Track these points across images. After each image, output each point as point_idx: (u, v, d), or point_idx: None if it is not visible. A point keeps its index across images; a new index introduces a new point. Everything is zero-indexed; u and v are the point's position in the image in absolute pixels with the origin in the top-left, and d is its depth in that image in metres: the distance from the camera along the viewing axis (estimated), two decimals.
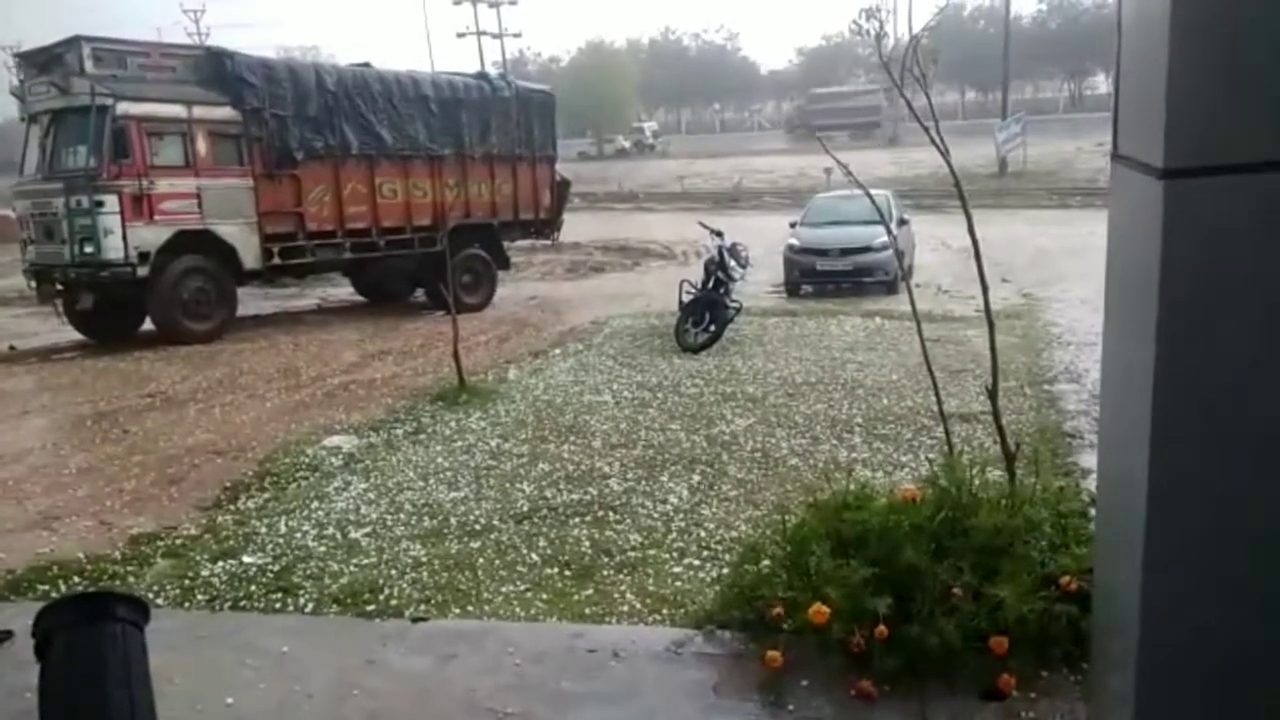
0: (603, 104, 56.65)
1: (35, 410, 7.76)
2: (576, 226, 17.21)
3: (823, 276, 13.30)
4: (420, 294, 13.65)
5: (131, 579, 4.12)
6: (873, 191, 14.73)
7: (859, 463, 5.35)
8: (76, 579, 4.15)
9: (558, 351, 9.48)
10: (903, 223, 13.77)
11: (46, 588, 4.07)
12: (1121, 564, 1.76)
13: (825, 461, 5.46)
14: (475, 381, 7.70)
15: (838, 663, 2.73)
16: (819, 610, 2.68)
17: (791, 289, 13.55)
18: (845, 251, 13.03)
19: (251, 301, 12.03)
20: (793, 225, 14.20)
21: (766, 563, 3.02)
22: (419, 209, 12.71)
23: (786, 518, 3.50)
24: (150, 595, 3.93)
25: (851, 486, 3.39)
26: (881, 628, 2.65)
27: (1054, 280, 13.25)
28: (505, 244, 14.09)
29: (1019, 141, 32.45)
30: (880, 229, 13.20)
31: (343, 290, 14.56)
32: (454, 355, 7.57)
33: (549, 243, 15.73)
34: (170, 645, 3.38)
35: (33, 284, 10.87)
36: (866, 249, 12.94)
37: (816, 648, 2.75)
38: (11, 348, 10.71)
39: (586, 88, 53.10)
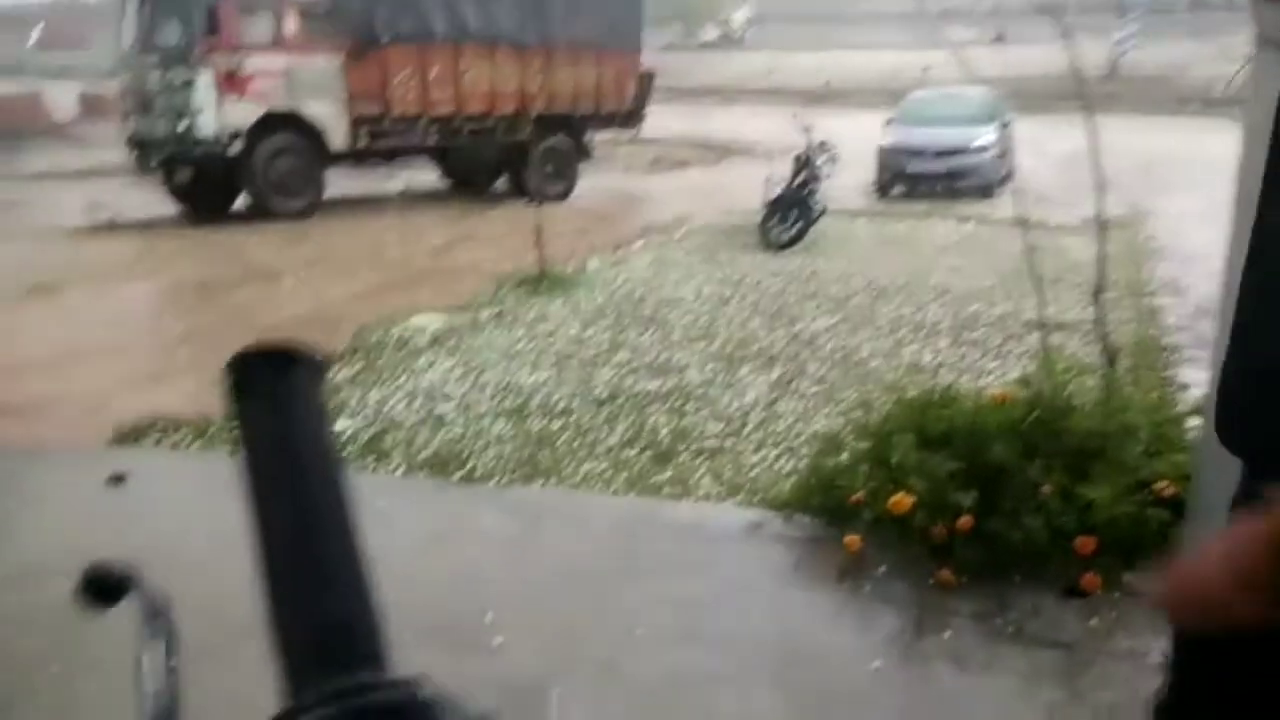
0: None
1: (139, 277, 8.09)
2: (661, 120, 16.87)
3: (915, 178, 12.82)
4: (502, 182, 13.65)
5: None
6: (975, 91, 14.16)
7: (944, 367, 5.27)
8: (180, 433, 4.39)
9: (638, 244, 9.44)
10: (1005, 125, 13.15)
11: (155, 438, 4.32)
12: (1223, 471, 1.70)
13: (908, 364, 5.38)
14: (557, 270, 7.73)
15: (917, 552, 2.74)
16: (901, 499, 2.68)
17: (882, 190, 13.13)
18: (941, 153, 12.50)
19: (340, 183, 12.17)
20: (887, 123, 13.66)
21: (846, 455, 3.02)
22: (503, 97, 12.58)
23: (870, 412, 3.48)
24: None
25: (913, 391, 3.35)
26: (965, 519, 2.64)
27: (1160, 191, 12.56)
28: (588, 135, 13.91)
29: (1134, 44, 30.40)
30: (979, 130, 12.68)
31: (429, 176, 14.64)
32: (536, 243, 7.59)
33: (631, 135, 15.48)
34: None
35: (134, 157, 11.17)
36: (964, 150, 12.41)
37: (896, 536, 2.76)
38: (112, 219, 11.11)
39: None
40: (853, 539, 2.77)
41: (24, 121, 20.93)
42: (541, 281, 7.37)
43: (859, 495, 2.85)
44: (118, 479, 3.64)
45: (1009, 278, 7.60)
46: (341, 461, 0.49)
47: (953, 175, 12.54)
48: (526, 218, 10.51)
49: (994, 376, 5.07)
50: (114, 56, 11.44)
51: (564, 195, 13.06)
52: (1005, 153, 13.12)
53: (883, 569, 2.77)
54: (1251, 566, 0.77)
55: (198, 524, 3.28)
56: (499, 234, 10.24)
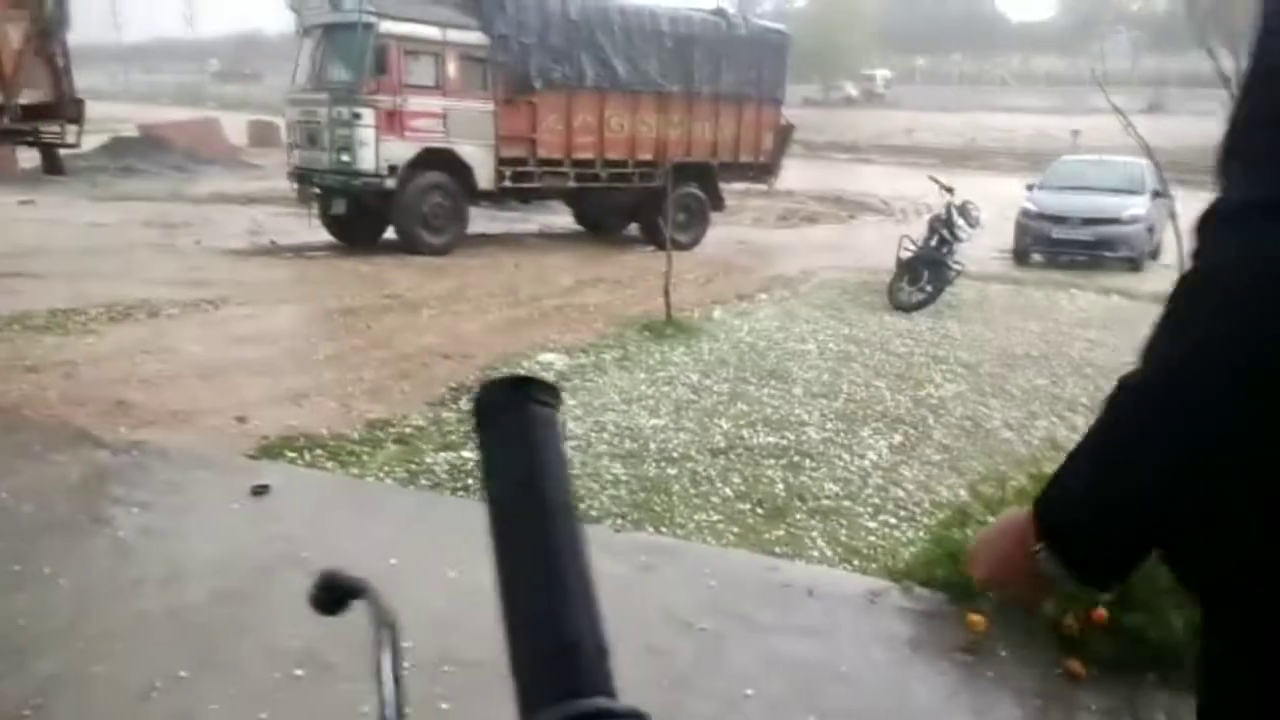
0: (835, 49, 54.74)
1: (291, 300, 8.61)
2: (793, 174, 16.91)
3: (1058, 245, 12.37)
4: (634, 228, 13.92)
5: (365, 457, 4.54)
6: (1129, 160, 13.62)
7: None
8: (318, 451, 4.62)
9: (764, 296, 9.43)
10: (1157, 195, 12.57)
11: (294, 455, 4.56)
12: None
13: (1042, 439, 5.17)
14: (681, 318, 7.81)
15: (1044, 639, 2.62)
16: None
17: (1020, 256, 12.73)
18: (1088, 221, 12.04)
19: (479, 221, 12.68)
20: (1030, 188, 13.27)
21: (974, 529, 2.92)
22: (643, 144, 12.89)
23: (1001, 487, 3.36)
24: (380, 475, 4.33)
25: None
26: (1101, 611, 2.51)
27: None
28: (722, 185, 14.05)
29: None
30: (1132, 200, 12.17)
31: (562, 218, 15.08)
32: (665, 290, 7.69)
33: (764, 188, 15.55)
34: (400, 520, 3.73)
35: (295, 186, 11.94)
36: (1114, 220, 11.92)
37: (1023, 620, 2.64)
38: (272, 242, 11.88)
39: (820, 30, 51.40)
40: (977, 618, 2.67)
41: (201, 146, 22.72)
42: (667, 327, 7.46)
43: None
44: (261, 489, 3.86)
45: None
46: (574, 490, 0.52)
47: (1099, 245, 12.05)
48: (654, 264, 10.71)
49: None
50: (286, 91, 12.29)
51: (693, 244, 13.22)
52: (1155, 225, 12.55)
53: (1004, 652, 2.64)
54: (1009, 557, 0.92)
55: (331, 539, 3.45)
56: (627, 278, 10.44)
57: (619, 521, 3.86)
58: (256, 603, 2.91)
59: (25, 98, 8.52)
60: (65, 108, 8.88)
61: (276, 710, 2.35)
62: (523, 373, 0.55)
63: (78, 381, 5.60)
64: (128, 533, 3.44)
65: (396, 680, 0.61)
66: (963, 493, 4.36)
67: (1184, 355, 0.78)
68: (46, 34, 8.57)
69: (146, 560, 3.21)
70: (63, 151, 9.54)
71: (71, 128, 9.09)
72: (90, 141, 10.29)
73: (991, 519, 3.05)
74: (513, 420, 0.52)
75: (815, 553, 3.65)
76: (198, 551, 3.29)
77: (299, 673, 2.50)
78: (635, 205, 13.38)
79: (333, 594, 0.68)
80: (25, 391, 5.30)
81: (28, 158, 12.91)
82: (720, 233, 14.44)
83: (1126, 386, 0.84)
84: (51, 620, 2.76)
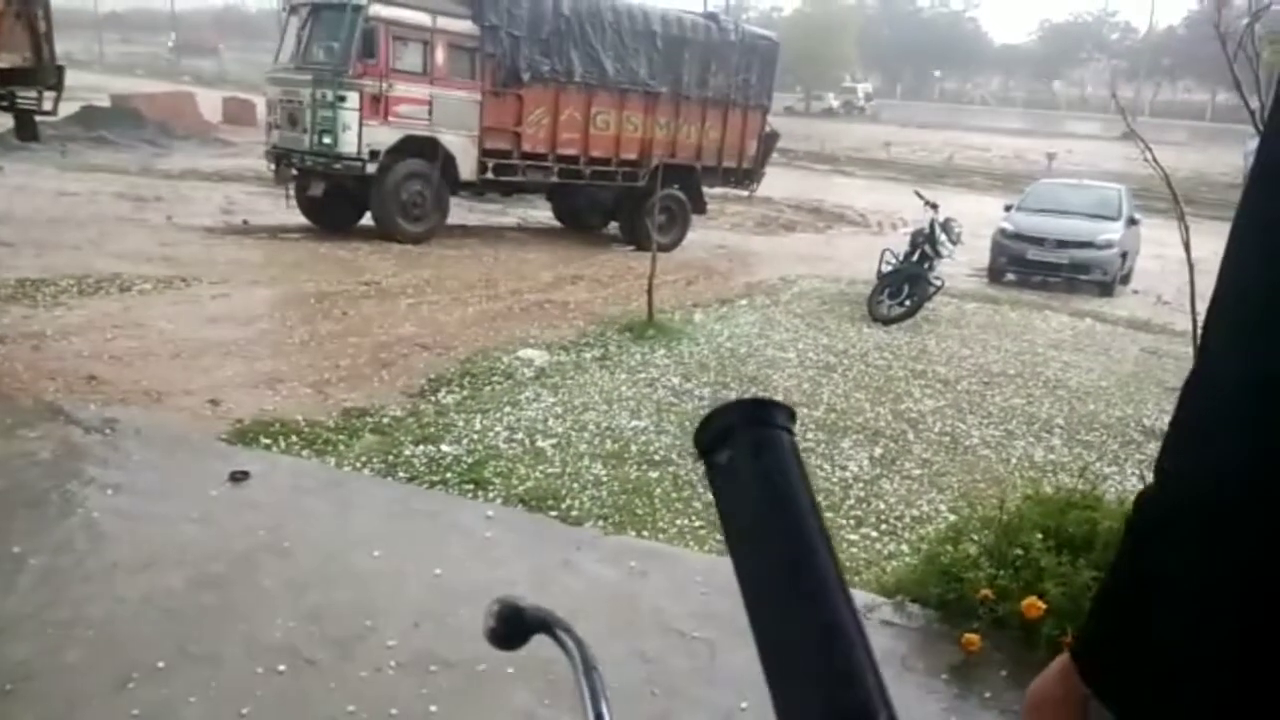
0: (818, 59, 55.04)
1: (266, 281, 8.46)
2: (772, 183, 16.94)
3: (1032, 267, 12.50)
4: (613, 226, 13.87)
5: (343, 447, 4.46)
6: (1107, 186, 13.80)
7: (1058, 466, 5.08)
8: (294, 438, 4.53)
9: (744, 302, 9.44)
10: (1132, 222, 12.79)
11: (269, 442, 4.47)
12: None
13: (1020, 459, 5.21)
14: (662, 319, 7.79)
15: (1043, 659, 2.61)
16: (1033, 604, 2.56)
17: (995, 275, 12.85)
18: (1063, 244, 12.18)
19: (458, 211, 12.54)
20: (1007, 209, 13.42)
21: (970, 547, 2.91)
22: (627, 143, 12.84)
23: (997, 505, 3.37)
24: (358, 466, 4.26)
25: (1047, 489, 3.22)
26: None
27: None
28: (704, 189, 14.05)
29: None
30: (1107, 225, 12.35)
31: (541, 213, 14.99)
32: (648, 291, 7.66)
33: (744, 194, 15.56)
34: (381, 512, 3.66)
35: (272, 166, 11.73)
36: (1088, 244, 12.07)
37: (1019, 640, 2.64)
38: (245, 222, 11.68)
39: (804, 40, 51.57)
40: (972, 638, 2.66)
41: (175, 119, 22.29)
42: (647, 328, 7.43)
43: (986, 593, 2.73)
44: (240, 475, 3.77)
45: (1127, 380, 7.35)
46: (822, 517, 0.48)
47: (1073, 268, 12.20)
48: (634, 263, 10.68)
49: (1111, 484, 4.86)
50: (268, 69, 12.08)
51: (673, 245, 13.18)
52: (1129, 251, 12.74)
53: (1003, 673, 2.64)
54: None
55: (313, 530, 3.38)
56: (607, 276, 10.40)
57: (600, 525, 3.83)
58: (239, 591, 2.84)
59: (3, 61, 8.29)
60: (45, 74, 8.65)
61: (259, 707, 2.29)
62: (752, 395, 0.50)
63: (47, 354, 5.46)
64: (102, 514, 3.34)
65: None
66: (943, 508, 4.39)
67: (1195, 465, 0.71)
68: None
69: (120, 544, 3.12)
70: (37, 119, 9.30)
71: (49, 95, 8.86)
72: (61, 110, 10.00)
73: (984, 538, 3.07)
74: (769, 455, 0.47)
75: None
76: (176, 536, 3.21)
77: (281, 668, 2.44)
78: (616, 204, 13.32)
79: (511, 627, 0.62)
80: None
81: None
82: (699, 235, 14.44)
83: (1142, 498, 0.77)
84: (21, 604, 2.66)
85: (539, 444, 4.77)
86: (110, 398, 4.79)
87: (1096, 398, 6.62)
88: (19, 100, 8.93)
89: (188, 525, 3.31)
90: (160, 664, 2.41)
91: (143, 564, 2.96)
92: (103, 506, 3.41)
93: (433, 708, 2.29)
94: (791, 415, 0.49)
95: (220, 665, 2.44)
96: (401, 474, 4.20)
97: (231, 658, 2.47)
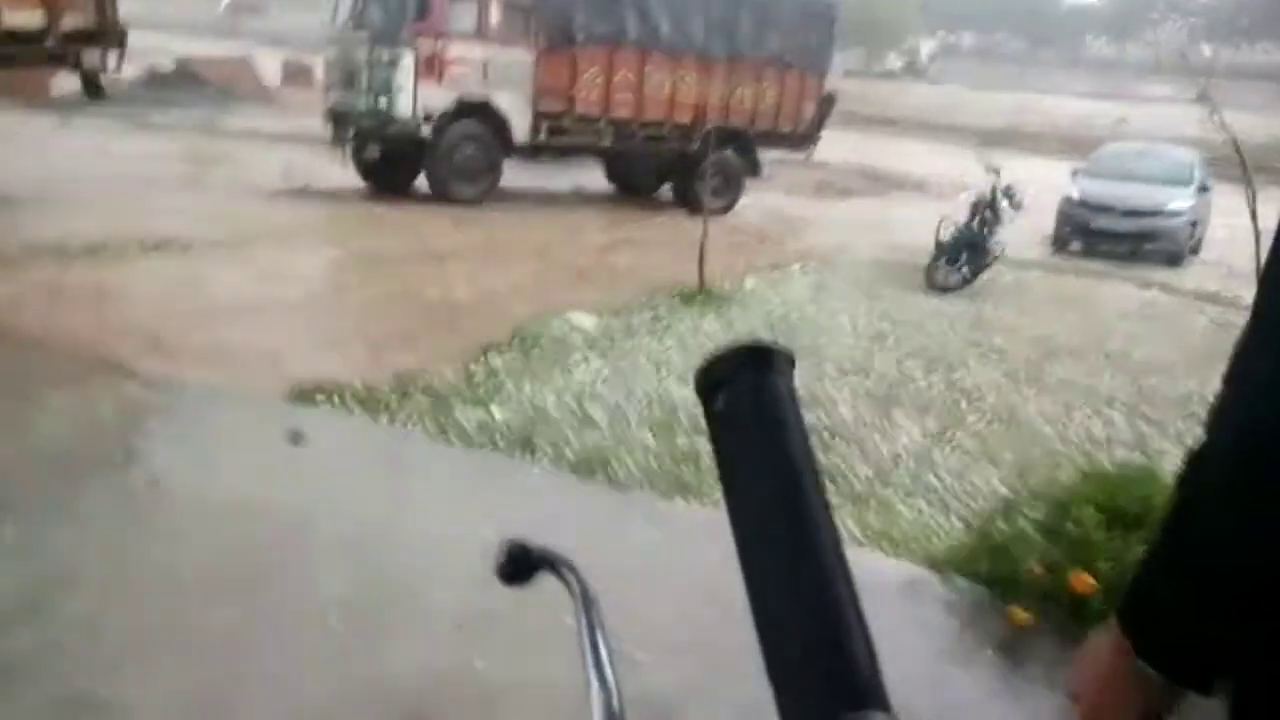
0: (879, 21, 53.60)
1: (323, 243, 8.58)
2: (829, 146, 16.64)
3: (1098, 236, 12.10)
4: (666, 190, 13.75)
5: (395, 407, 4.52)
6: (1177, 151, 13.28)
7: (1118, 443, 4.94)
8: (349, 398, 4.59)
9: (797, 268, 9.32)
10: (1203, 189, 12.29)
11: (324, 400, 4.54)
12: None
13: (1078, 433, 5.08)
14: (713, 285, 7.71)
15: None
16: (1084, 579, 2.51)
17: (1059, 244, 12.47)
18: (1131, 212, 11.78)
19: (511, 174, 12.55)
20: (1074, 174, 12.98)
21: (1022, 522, 2.86)
22: (681, 106, 12.67)
23: (1025, 478, 3.30)
24: (410, 427, 4.31)
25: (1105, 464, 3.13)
26: None
27: None
28: (760, 152, 13.83)
29: None
30: (1176, 191, 11.90)
31: (593, 176, 14.93)
32: (700, 256, 7.59)
33: (801, 158, 15.30)
34: (431, 474, 3.71)
35: (329, 127, 11.83)
36: (1157, 213, 11.65)
37: (1070, 616, 2.59)
38: (305, 185, 11.81)
39: (865, 1, 50.35)
40: (1023, 614, 2.62)
41: (235, 83, 22.59)
42: (698, 294, 7.37)
43: (1036, 567, 2.68)
44: (298, 436, 3.84)
45: (1194, 354, 7.10)
46: (817, 463, 0.46)
47: (1141, 237, 11.80)
48: (687, 228, 10.57)
49: (1171, 462, 4.72)
50: (325, 29, 12.13)
51: (727, 209, 13.00)
52: (1199, 220, 12.27)
53: (1052, 648, 2.59)
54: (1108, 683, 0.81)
55: (373, 492, 3.44)
56: (659, 241, 10.32)
57: (651, 489, 3.83)
58: (294, 549, 2.90)
59: (70, 23, 8.45)
60: (109, 35, 8.80)
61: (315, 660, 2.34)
62: (753, 340, 0.48)
63: (108, 312, 5.60)
64: (162, 470, 3.43)
65: (609, 652, 0.58)
66: (995, 482, 4.30)
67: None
68: None
69: (179, 499, 3.21)
70: (102, 79, 9.49)
71: (113, 54, 9.02)
72: (126, 72, 10.20)
73: (1036, 513, 3.01)
74: (766, 400, 0.45)
75: (846, 535, 3.61)
76: (233, 493, 3.28)
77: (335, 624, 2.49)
78: (669, 167, 13.20)
79: (519, 565, 0.65)
80: (56, 319, 5.30)
81: (61, 84, 12.87)
82: (752, 199, 14.26)
83: (1195, 457, 0.76)
84: (84, 560, 2.75)
85: (588, 409, 4.77)
86: (171, 355, 4.90)
87: (1160, 372, 6.42)
88: (84, 61, 9.11)
89: (246, 482, 3.38)
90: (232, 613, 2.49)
91: (202, 518, 3.04)
92: (162, 462, 3.50)
93: (479, 664, 2.32)
94: (791, 361, 0.47)
95: (279, 624, 2.50)
96: (452, 436, 4.24)
97: (291, 613, 2.53)
